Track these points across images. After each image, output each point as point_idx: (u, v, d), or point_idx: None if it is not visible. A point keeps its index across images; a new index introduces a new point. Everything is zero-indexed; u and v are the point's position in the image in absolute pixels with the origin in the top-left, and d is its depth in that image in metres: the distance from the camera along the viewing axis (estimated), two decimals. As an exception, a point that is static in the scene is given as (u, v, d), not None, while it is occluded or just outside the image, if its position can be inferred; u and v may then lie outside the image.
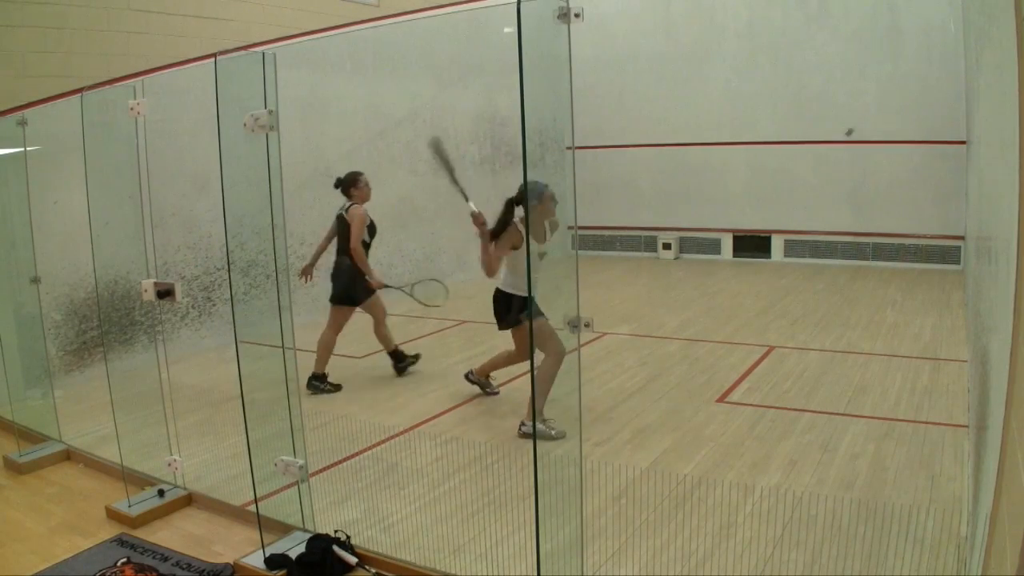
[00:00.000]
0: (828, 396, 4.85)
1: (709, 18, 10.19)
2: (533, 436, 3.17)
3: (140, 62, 6.26)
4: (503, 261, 4.50)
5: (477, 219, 4.45)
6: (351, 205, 5.45)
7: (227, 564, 3.19)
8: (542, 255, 4.32)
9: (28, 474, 4.34)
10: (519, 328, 4.62)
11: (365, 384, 5.67)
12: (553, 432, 3.80)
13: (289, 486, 3.35)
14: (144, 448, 4.00)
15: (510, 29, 2.26)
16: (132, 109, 3.62)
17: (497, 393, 5.20)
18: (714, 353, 6.00)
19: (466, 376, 5.23)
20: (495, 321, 4.70)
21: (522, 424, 4.44)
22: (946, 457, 3.81)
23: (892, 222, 9.37)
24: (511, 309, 4.56)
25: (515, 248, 4.39)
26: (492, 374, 5.21)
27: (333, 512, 3.56)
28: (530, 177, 2.71)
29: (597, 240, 11.33)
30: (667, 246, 10.79)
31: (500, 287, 4.61)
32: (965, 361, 5.04)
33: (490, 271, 4.41)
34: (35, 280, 4.73)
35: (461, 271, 9.40)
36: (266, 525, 3.31)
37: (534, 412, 3.12)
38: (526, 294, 4.43)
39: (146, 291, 3.60)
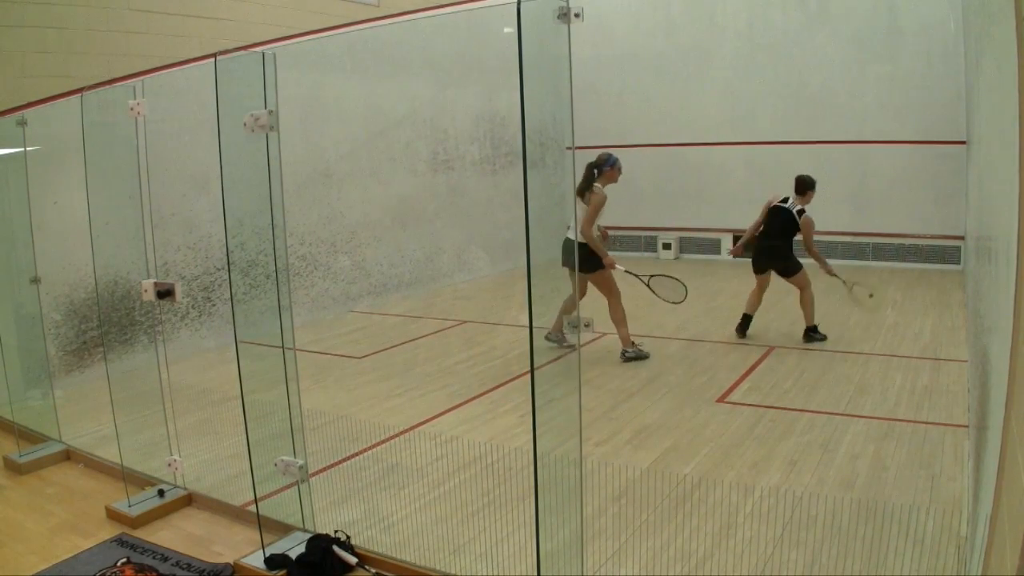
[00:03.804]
0: (828, 396, 4.85)
1: (709, 18, 10.18)
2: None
3: (140, 62, 6.26)
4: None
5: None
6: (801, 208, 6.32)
7: (227, 564, 3.19)
8: None
9: (28, 474, 4.34)
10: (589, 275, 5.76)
11: (365, 384, 5.67)
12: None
13: (289, 486, 3.35)
14: (144, 448, 4.00)
15: (510, 29, 2.26)
16: (132, 109, 3.62)
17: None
18: (714, 353, 6.00)
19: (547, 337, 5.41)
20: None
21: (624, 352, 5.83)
22: (946, 457, 3.81)
23: (892, 222, 9.37)
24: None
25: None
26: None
27: (333, 512, 3.56)
28: (531, 177, 2.70)
29: (597, 240, 11.32)
30: (667, 246, 10.79)
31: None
32: (965, 361, 5.04)
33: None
34: (35, 280, 4.73)
35: (461, 271, 9.42)
36: (266, 525, 3.31)
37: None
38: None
39: (146, 291, 3.60)
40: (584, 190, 5.76)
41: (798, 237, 6.26)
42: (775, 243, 6.31)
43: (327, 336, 7.17)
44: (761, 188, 10.22)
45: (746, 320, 6.50)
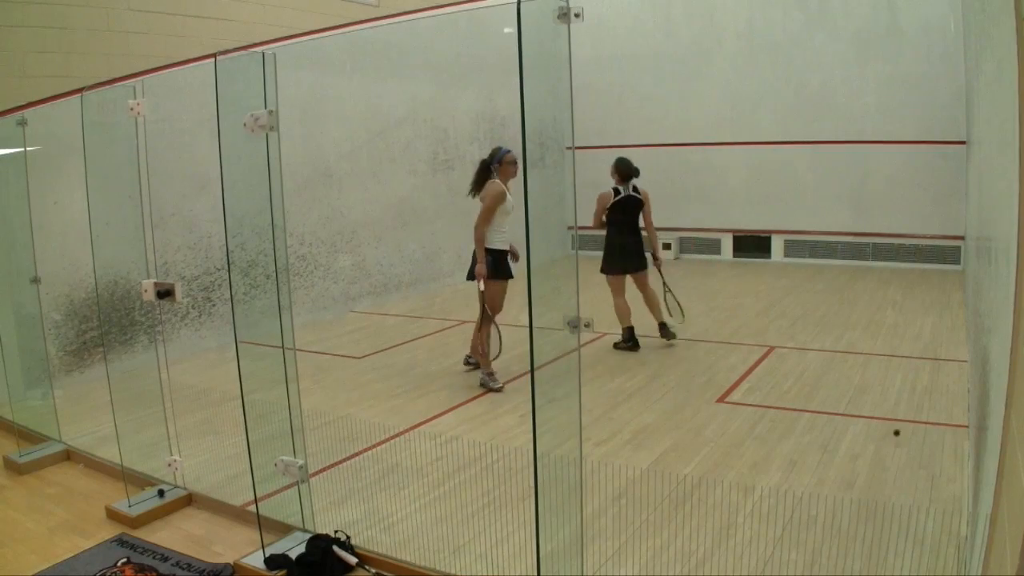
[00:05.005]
0: (828, 396, 4.85)
1: (709, 18, 10.18)
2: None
3: (140, 62, 6.26)
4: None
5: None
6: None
7: (227, 564, 3.19)
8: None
9: (28, 474, 4.34)
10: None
11: (365, 384, 5.66)
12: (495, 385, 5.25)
13: (289, 486, 3.35)
14: (144, 448, 4.00)
15: (510, 29, 2.26)
16: (132, 109, 3.62)
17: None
18: (714, 353, 6.00)
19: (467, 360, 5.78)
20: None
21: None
22: (946, 457, 3.81)
23: (892, 222, 9.37)
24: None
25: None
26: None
27: (333, 512, 3.56)
28: (530, 177, 2.70)
29: (597, 240, 11.32)
30: (667, 246, 10.79)
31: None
32: (965, 361, 5.04)
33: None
34: (35, 280, 4.73)
35: (461, 271, 9.41)
36: (266, 525, 3.31)
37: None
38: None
39: (146, 291, 3.60)
40: (477, 190, 5.39)
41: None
42: (637, 236, 6.31)
43: (327, 336, 7.17)
44: (761, 188, 10.28)
45: (631, 332, 6.22)
